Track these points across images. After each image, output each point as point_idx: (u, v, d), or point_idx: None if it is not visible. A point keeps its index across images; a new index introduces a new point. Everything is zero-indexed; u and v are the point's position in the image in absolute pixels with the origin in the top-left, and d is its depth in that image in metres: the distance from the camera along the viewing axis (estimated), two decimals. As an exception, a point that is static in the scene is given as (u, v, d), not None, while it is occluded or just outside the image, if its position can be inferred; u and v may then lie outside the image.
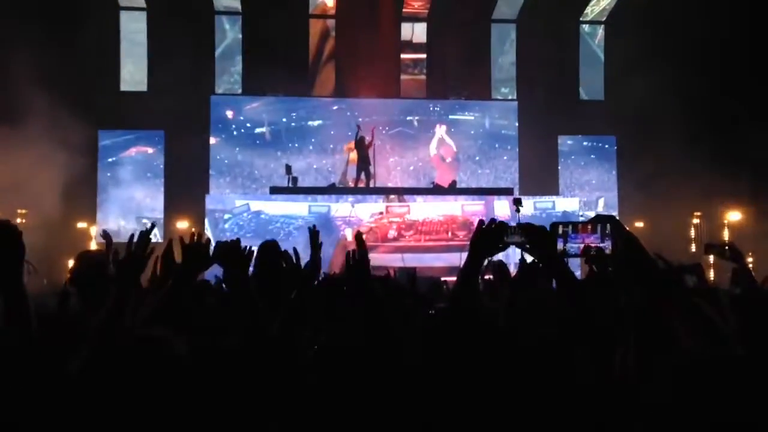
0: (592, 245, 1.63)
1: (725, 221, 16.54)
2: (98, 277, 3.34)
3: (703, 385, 1.27)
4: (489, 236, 2.31)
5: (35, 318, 1.89)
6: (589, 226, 1.63)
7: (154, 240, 2.64)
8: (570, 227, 1.65)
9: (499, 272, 4.78)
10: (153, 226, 2.52)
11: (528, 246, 2.13)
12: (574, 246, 1.64)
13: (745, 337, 1.61)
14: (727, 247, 3.78)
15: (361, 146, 17.12)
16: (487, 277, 4.84)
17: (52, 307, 4.65)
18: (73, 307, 3.26)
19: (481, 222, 2.36)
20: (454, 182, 17.64)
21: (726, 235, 15.93)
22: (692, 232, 17.06)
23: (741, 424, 1.24)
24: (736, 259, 3.69)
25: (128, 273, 2.33)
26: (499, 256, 4.51)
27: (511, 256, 11.32)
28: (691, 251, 15.68)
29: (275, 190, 16.73)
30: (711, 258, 13.65)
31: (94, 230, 16.62)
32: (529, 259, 2.80)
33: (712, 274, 11.68)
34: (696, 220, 17.09)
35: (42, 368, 1.84)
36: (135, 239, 2.40)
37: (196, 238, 2.58)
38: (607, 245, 1.62)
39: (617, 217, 1.68)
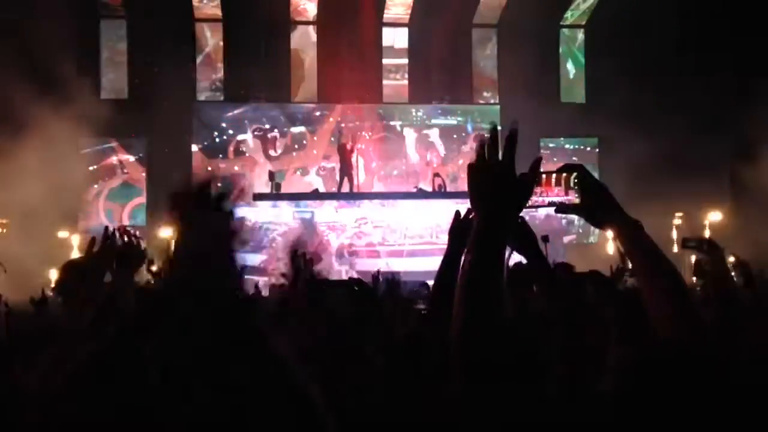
0: (556, 200, 1.62)
1: (706, 222, 16.66)
2: (84, 285, 3.31)
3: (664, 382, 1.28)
4: (466, 227, 2.34)
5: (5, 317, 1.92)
6: (554, 177, 1.62)
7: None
8: (541, 176, 1.64)
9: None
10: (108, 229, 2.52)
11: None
12: (537, 199, 1.63)
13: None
14: (703, 242, 3.73)
15: (343, 152, 17.12)
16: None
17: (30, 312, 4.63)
18: (52, 311, 3.24)
19: (457, 213, 2.38)
20: (439, 186, 17.65)
21: (707, 234, 16.06)
22: (674, 233, 17.17)
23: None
24: (713, 254, 3.65)
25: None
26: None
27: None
28: (672, 251, 15.78)
29: (259, 197, 16.68)
30: (693, 258, 13.73)
31: (76, 239, 16.50)
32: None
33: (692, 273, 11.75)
34: (678, 221, 17.20)
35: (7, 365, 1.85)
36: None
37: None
38: (572, 198, 1.60)
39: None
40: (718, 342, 1.53)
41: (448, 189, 17.74)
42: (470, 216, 2.36)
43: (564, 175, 1.62)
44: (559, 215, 1.67)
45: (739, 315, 2.99)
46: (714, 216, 16.64)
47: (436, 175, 17.68)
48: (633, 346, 1.48)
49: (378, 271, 4.74)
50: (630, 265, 1.68)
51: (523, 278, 3.12)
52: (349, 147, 17.14)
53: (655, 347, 1.41)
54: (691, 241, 3.75)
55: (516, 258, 2.42)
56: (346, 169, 17.05)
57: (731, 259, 4.54)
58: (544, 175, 1.62)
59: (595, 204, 1.60)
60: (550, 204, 1.62)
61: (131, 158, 18.67)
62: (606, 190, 1.61)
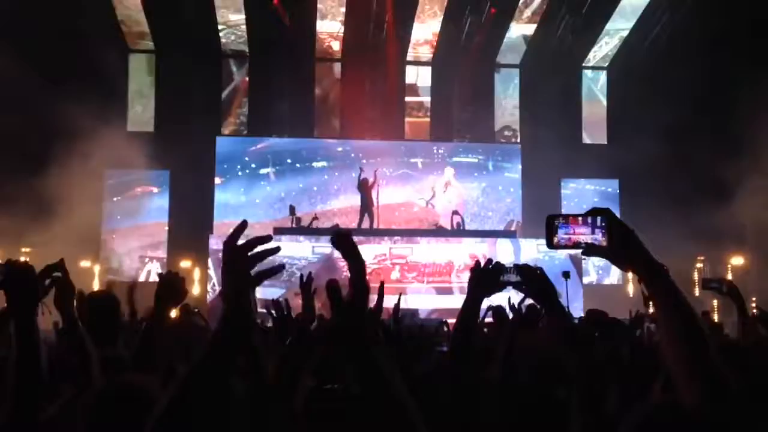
0: (589, 237, 1.64)
1: (729, 265, 16.50)
2: (108, 318, 3.34)
3: None
4: (486, 276, 2.36)
5: (45, 354, 2.01)
6: (580, 219, 1.64)
7: (158, 279, 2.72)
8: (561, 219, 1.66)
9: (499, 316, 4.80)
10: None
11: (524, 286, 2.20)
12: (564, 237, 1.65)
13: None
14: (723, 283, 3.77)
15: (364, 188, 17.21)
16: (487, 320, 4.85)
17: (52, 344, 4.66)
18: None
19: (477, 262, 2.41)
20: (457, 224, 17.65)
21: (729, 277, 15.87)
22: (696, 277, 17.00)
23: None
24: (732, 295, 3.67)
25: None
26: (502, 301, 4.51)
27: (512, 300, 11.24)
28: (694, 295, 15.61)
29: (279, 231, 16.76)
30: (715, 302, 13.60)
31: (97, 269, 16.64)
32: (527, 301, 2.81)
33: (716, 317, 11.63)
34: (699, 264, 17.05)
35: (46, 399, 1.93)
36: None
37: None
38: (598, 238, 1.62)
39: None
40: (738, 404, 1.48)
41: (466, 227, 17.74)
42: (489, 266, 2.39)
43: (590, 218, 1.64)
44: (583, 257, 1.71)
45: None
46: (736, 260, 16.47)
47: (455, 213, 17.71)
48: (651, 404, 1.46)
49: (398, 303, 4.72)
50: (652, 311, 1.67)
51: (534, 320, 3.14)
52: (369, 183, 17.22)
53: (667, 409, 1.40)
54: (712, 282, 3.80)
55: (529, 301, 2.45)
56: (367, 206, 17.11)
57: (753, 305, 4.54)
58: (571, 217, 1.66)
59: (622, 248, 1.60)
60: (576, 245, 1.64)
61: (155, 189, 18.87)
62: (633, 234, 1.61)
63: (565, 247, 1.66)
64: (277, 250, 1.46)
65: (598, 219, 1.61)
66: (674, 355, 1.51)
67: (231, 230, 1.44)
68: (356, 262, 1.52)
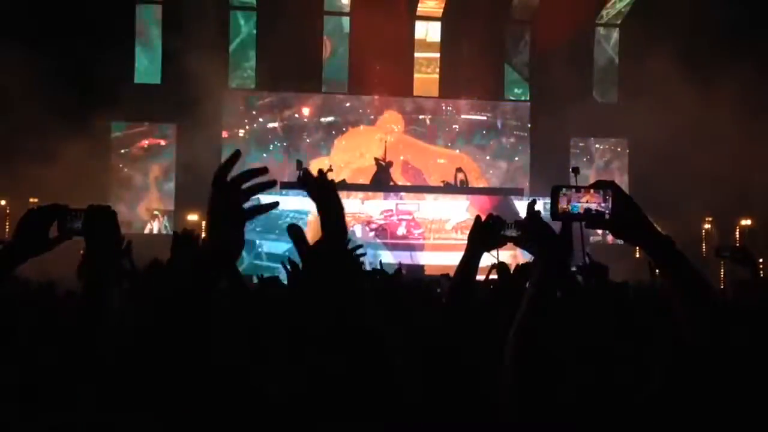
0: (593, 209, 1.65)
1: (736, 226, 16.46)
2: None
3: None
4: (485, 231, 2.36)
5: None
6: (583, 190, 1.66)
7: (164, 232, 2.69)
8: (566, 189, 1.68)
9: (503, 272, 4.79)
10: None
11: (524, 242, 2.19)
12: (576, 205, 1.67)
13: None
14: (736, 251, 3.74)
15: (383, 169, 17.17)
16: (492, 277, 4.85)
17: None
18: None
19: (478, 217, 2.41)
20: (461, 182, 17.56)
21: (737, 239, 15.86)
22: (703, 237, 16.99)
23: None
24: (747, 263, 3.64)
25: None
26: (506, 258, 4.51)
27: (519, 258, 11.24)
28: (702, 255, 15.60)
29: (286, 185, 16.74)
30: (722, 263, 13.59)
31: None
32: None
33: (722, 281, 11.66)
34: (707, 225, 17.01)
35: None
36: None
37: None
38: (603, 210, 1.64)
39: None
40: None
41: (471, 185, 17.71)
42: (490, 221, 2.39)
43: (600, 190, 1.66)
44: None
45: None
46: (744, 221, 16.43)
47: (458, 170, 17.64)
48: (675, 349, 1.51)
49: (400, 264, 4.73)
50: (658, 277, 1.69)
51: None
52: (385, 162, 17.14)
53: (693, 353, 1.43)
54: (725, 251, 3.77)
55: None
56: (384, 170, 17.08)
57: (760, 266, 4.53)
58: (575, 188, 1.68)
59: (627, 220, 1.62)
60: (580, 216, 1.66)
61: (162, 142, 18.86)
62: (638, 208, 1.63)
63: (569, 217, 1.67)
64: (272, 184, 1.37)
65: (602, 191, 1.63)
66: (687, 317, 1.56)
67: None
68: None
